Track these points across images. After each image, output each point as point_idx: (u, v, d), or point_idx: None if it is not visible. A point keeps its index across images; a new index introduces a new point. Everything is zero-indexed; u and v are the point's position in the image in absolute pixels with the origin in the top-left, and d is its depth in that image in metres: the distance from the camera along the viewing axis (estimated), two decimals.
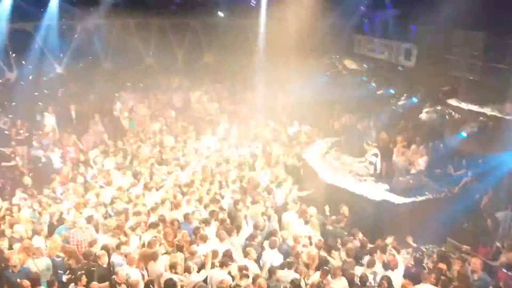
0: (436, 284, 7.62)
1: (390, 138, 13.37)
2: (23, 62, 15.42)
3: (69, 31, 16.48)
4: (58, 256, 8.38)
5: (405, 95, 14.50)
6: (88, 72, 17.06)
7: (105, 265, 8.06)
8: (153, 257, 8.04)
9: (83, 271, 7.71)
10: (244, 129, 16.05)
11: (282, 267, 8.27)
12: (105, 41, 16.89)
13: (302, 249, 8.80)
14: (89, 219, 9.48)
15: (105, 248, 8.38)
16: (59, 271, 8.12)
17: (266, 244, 8.98)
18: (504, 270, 8.26)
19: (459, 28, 12.45)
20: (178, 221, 9.60)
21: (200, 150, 14.20)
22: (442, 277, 7.81)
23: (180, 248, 8.68)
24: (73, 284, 7.57)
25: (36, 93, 15.70)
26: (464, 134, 11.59)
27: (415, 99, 14.07)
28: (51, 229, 9.43)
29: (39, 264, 8.00)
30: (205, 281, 7.81)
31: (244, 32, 18.03)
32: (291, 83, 17.31)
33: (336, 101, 16.96)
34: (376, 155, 12.80)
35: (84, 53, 16.90)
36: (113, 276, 7.80)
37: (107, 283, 7.71)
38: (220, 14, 18.76)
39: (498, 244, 9.10)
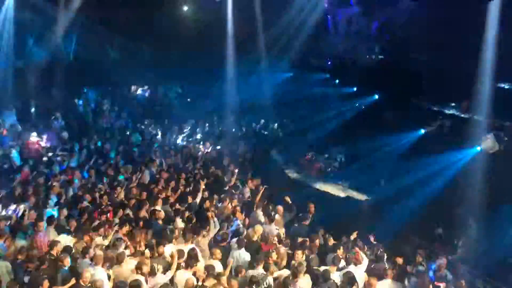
0: (397, 279, 7.86)
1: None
2: None
3: (29, 24, 15.92)
4: (17, 259, 8.13)
5: (367, 93, 14.85)
6: (49, 66, 16.53)
7: (67, 267, 7.90)
8: (119, 259, 7.94)
9: (45, 275, 7.50)
10: (210, 125, 15.99)
11: (250, 265, 8.33)
12: (68, 34, 16.38)
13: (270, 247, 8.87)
14: (50, 220, 9.24)
15: (67, 249, 8.20)
16: (19, 275, 7.89)
17: (233, 242, 9.01)
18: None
19: (417, 27, 12.85)
20: (144, 220, 9.52)
21: (166, 147, 14.07)
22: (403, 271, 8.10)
23: (148, 248, 8.60)
24: None
25: None
26: (422, 131, 11.99)
27: (376, 96, 14.44)
28: (13, 231, 9.14)
29: None
30: (171, 281, 7.79)
31: (210, 28, 17.87)
32: (256, 79, 17.33)
33: (300, 98, 17.12)
34: (341, 152, 13.07)
35: (45, 47, 16.34)
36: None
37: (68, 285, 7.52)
38: (185, 8, 18.54)
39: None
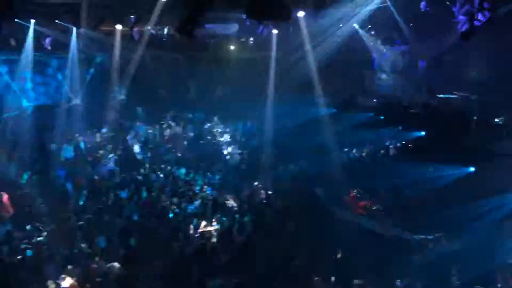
0: None
1: None
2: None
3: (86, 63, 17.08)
4: None
5: (413, 131, 14.65)
6: (102, 103, 17.47)
7: None
8: None
9: None
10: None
11: None
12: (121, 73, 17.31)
13: None
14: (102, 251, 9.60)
15: (119, 278, 8.46)
16: None
17: None
18: None
19: (467, 65, 12.76)
20: None
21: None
22: None
23: None
24: None
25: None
26: (472, 169, 11.63)
27: (423, 133, 14.24)
28: None
29: None
30: None
31: (254, 66, 18.39)
32: (300, 117, 17.46)
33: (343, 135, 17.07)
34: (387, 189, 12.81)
35: (99, 85, 17.35)
36: None
37: None
38: (231, 47, 19.25)
39: None
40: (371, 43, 16.04)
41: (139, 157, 15.97)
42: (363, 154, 15.80)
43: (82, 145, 15.78)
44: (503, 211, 10.79)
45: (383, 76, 16.03)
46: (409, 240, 10.60)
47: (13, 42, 14.67)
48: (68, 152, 14.89)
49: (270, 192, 13.48)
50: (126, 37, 16.16)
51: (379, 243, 10.70)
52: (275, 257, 9.89)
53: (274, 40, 17.07)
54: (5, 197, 11.68)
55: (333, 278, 9.18)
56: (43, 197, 12.50)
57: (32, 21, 14.11)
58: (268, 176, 14.52)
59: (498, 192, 10.95)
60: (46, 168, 13.79)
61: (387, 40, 15.65)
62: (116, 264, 9.18)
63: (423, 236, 10.70)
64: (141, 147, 16.55)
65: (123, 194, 12.80)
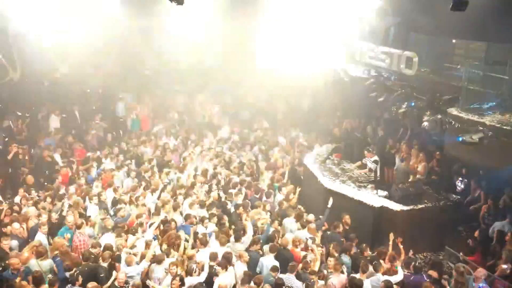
0: None
1: (394, 145, 13.50)
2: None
3: None
4: (56, 256, 8.41)
5: (405, 102, 14.54)
6: (90, 73, 17.08)
7: (106, 264, 8.14)
8: (158, 260, 8.14)
9: (78, 271, 7.76)
10: (245, 133, 16.16)
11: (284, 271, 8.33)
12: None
13: (302, 253, 8.86)
14: (89, 220, 9.56)
15: (108, 248, 8.44)
16: (60, 272, 8.16)
17: (265, 248, 9.04)
18: (500, 279, 8.38)
19: (460, 38, 12.61)
20: (175, 222, 9.68)
21: (201, 153, 14.25)
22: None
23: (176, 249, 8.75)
24: (69, 284, 7.65)
25: (39, 94, 15.70)
26: (460, 138, 11.51)
27: (413, 103, 14.16)
28: (53, 229, 9.49)
29: (43, 265, 8.02)
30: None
31: (244, 36, 17.99)
32: (292, 88, 17.33)
33: (336, 107, 17.06)
34: (376, 161, 12.84)
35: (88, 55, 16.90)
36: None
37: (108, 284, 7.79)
38: None
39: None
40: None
41: None
42: None
43: None
44: None
45: (376, 48, 15.72)
46: (396, 211, 10.64)
47: None
48: (55, 122, 14.70)
49: None
50: None
51: (366, 213, 10.71)
52: None
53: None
54: None
55: None
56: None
57: None
58: None
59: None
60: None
61: (379, 11, 15.27)
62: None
63: None
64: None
65: (109, 165, 12.76)
